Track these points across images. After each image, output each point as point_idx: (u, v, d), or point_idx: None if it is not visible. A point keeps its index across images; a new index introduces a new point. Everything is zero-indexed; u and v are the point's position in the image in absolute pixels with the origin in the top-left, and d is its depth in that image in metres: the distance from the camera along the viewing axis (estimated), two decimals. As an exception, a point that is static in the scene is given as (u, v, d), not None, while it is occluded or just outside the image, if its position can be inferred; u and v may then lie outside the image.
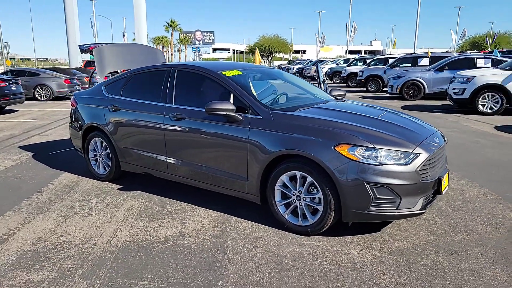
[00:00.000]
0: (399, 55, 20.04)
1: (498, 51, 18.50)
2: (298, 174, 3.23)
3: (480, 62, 13.22)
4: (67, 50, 31.24)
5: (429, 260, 2.87)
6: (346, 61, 28.40)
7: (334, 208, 3.09)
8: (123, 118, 4.49)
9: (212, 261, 2.93)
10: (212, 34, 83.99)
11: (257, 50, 15.37)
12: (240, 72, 4.07)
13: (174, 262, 2.92)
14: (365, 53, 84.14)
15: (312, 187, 3.22)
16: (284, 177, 3.32)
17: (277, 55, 65.06)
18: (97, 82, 5.35)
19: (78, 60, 31.51)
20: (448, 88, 11.00)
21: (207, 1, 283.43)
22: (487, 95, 10.06)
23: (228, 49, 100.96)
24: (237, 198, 4.05)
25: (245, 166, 3.52)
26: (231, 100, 3.64)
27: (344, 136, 3.07)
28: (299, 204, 3.30)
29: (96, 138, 4.88)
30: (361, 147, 3.01)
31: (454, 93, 10.56)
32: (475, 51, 37.41)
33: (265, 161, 3.36)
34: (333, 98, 4.42)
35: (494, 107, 10.02)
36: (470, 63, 13.20)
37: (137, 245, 3.19)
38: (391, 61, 18.70)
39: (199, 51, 77.98)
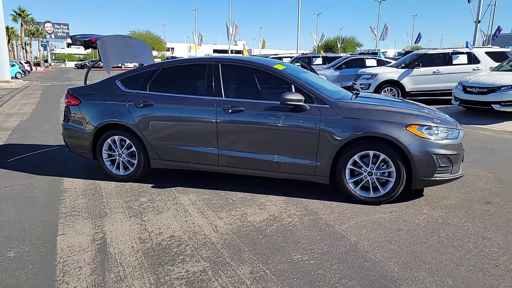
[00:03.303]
0: (293, 55, 21.94)
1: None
2: (371, 153, 3.80)
3: (368, 62, 15.60)
4: None
5: (480, 210, 3.77)
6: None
7: (405, 178, 3.77)
8: (158, 114, 4.37)
9: (329, 233, 3.30)
10: (66, 27, 76.48)
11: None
12: (284, 66, 4.41)
13: (299, 238, 3.20)
14: (231, 52, 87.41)
15: (382, 163, 3.83)
16: (356, 157, 3.85)
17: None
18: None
19: None
20: (355, 83, 12.79)
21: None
22: (387, 89, 12.07)
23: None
24: (289, 182, 4.40)
25: (315, 151, 3.92)
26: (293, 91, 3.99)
27: (413, 118, 3.77)
28: (371, 179, 3.87)
29: (115, 137, 4.59)
30: (426, 127, 3.74)
31: (361, 88, 12.35)
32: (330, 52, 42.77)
33: (339, 144, 3.83)
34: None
35: (393, 99, 12.07)
36: (361, 62, 15.52)
37: (247, 230, 3.34)
38: (285, 60, 20.38)
39: (46, 46, 69.77)
